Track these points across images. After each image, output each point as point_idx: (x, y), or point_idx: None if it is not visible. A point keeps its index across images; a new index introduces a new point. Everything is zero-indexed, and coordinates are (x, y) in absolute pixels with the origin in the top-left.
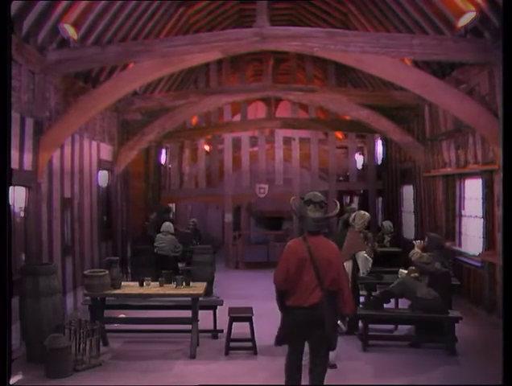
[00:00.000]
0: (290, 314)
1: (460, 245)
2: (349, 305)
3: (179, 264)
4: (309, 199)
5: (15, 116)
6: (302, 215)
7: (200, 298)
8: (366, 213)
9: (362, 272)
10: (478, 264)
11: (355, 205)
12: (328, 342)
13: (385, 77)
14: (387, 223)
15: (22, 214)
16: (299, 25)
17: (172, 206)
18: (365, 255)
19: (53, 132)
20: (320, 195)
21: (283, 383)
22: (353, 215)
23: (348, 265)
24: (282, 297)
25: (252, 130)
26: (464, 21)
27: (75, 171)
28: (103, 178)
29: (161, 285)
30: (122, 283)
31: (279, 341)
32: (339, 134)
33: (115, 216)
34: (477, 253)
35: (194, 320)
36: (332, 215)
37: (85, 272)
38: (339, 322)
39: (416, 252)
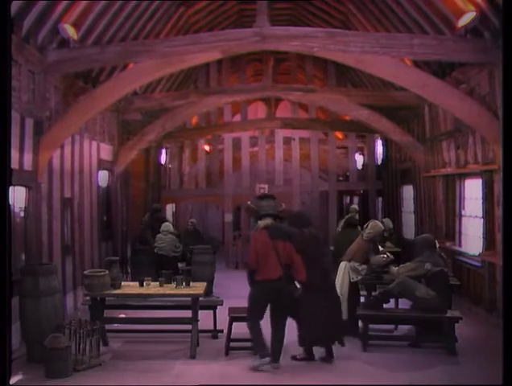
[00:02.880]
0: (260, 286)
1: (460, 245)
2: (301, 273)
3: (179, 264)
4: (258, 196)
5: (15, 116)
6: (260, 205)
7: (200, 298)
8: (379, 224)
9: (352, 277)
10: (478, 264)
11: (355, 205)
12: (287, 305)
13: (385, 77)
14: (387, 221)
15: (22, 214)
16: (299, 25)
17: (172, 206)
18: (355, 264)
19: (53, 132)
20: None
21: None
22: (369, 222)
23: (346, 266)
24: (252, 274)
25: (252, 130)
26: (464, 21)
27: (75, 171)
28: (103, 178)
29: (161, 285)
30: (122, 283)
31: (253, 308)
32: (339, 134)
33: (115, 216)
34: (477, 253)
35: (194, 320)
36: (280, 210)
37: (85, 272)
38: (297, 284)
39: (398, 270)
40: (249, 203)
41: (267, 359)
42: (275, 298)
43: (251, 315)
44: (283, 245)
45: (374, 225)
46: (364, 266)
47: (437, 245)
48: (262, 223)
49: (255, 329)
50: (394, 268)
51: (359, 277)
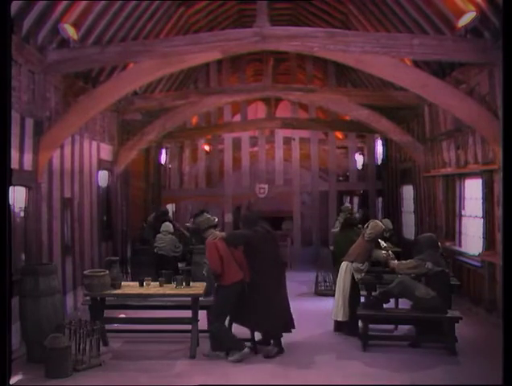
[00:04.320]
0: (231, 289)
1: (460, 245)
2: (248, 274)
3: (179, 264)
4: (194, 214)
5: (15, 116)
6: (198, 221)
7: (200, 298)
8: (379, 223)
9: (356, 277)
10: (478, 264)
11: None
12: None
13: (385, 77)
14: (386, 221)
15: (22, 214)
16: (299, 25)
17: (172, 206)
18: (358, 265)
19: (53, 132)
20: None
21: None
22: (369, 222)
23: (347, 267)
24: (218, 279)
25: (252, 130)
26: (464, 21)
27: (75, 171)
28: (103, 178)
29: (161, 285)
30: (122, 283)
31: (224, 310)
32: (339, 134)
33: (115, 216)
34: (477, 253)
35: (194, 320)
36: (216, 221)
37: (85, 272)
38: None
39: (398, 264)
40: (187, 224)
41: (246, 350)
42: (241, 297)
43: (220, 317)
44: (236, 250)
45: (375, 225)
46: (366, 263)
47: (440, 245)
48: (216, 233)
49: (223, 329)
50: (394, 262)
51: (362, 275)
